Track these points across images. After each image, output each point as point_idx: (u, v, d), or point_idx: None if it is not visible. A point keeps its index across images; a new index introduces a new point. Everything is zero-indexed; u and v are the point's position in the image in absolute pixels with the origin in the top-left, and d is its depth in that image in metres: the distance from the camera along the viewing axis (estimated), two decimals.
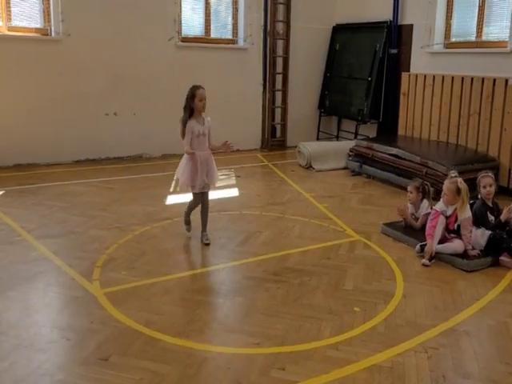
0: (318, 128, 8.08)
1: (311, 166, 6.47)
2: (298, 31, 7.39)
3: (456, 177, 3.54)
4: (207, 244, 3.73)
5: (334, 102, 7.76)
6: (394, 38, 6.74)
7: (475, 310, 2.84)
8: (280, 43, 7.33)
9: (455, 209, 3.55)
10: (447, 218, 3.57)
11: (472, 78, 5.68)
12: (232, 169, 6.53)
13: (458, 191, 3.47)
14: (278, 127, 7.83)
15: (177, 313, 2.76)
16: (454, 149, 5.90)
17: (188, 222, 3.94)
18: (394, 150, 5.71)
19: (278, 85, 7.52)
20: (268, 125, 7.63)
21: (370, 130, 7.36)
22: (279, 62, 7.39)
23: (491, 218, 3.62)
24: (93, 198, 4.96)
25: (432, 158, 5.35)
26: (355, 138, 7.32)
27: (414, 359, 2.32)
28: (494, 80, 5.43)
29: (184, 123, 3.54)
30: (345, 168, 6.49)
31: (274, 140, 7.75)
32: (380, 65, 6.89)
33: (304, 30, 7.42)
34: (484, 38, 5.87)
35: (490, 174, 3.59)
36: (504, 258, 3.48)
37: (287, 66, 7.41)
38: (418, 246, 3.65)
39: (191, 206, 3.88)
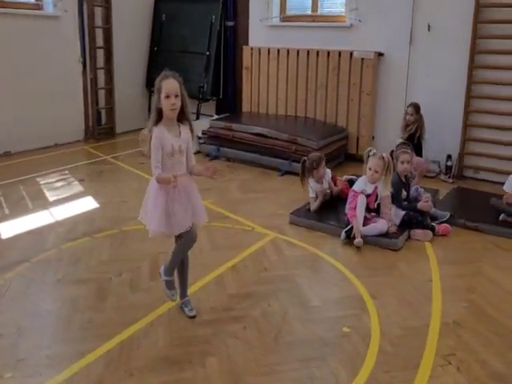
0: (149, 110, 7.15)
1: None
2: None
3: (377, 153, 3.40)
4: (192, 317, 2.48)
5: None
6: (230, 9, 6.27)
7: (439, 293, 2.76)
8: (99, 11, 6.01)
9: (375, 187, 3.44)
10: (367, 197, 3.44)
11: (317, 52, 5.71)
12: (65, 170, 5.18)
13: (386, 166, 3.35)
14: (104, 112, 6.60)
15: None
16: (305, 122, 5.91)
17: (172, 286, 2.51)
18: (259, 129, 5.37)
19: (101, 62, 6.25)
20: (92, 110, 6.34)
21: (208, 108, 6.84)
22: (99, 33, 6.09)
23: (404, 193, 3.63)
24: None
25: (299, 134, 5.22)
26: (197, 118, 6.73)
27: (449, 377, 2.05)
28: (340, 53, 5.56)
29: (149, 133, 2.25)
30: (198, 152, 5.89)
31: (101, 128, 6.53)
32: (218, 38, 6.37)
33: None
34: (320, 12, 5.93)
35: (408, 151, 3.56)
36: (416, 231, 3.55)
37: (110, 39, 6.16)
38: (343, 233, 3.43)
39: (178, 257, 2.48)
